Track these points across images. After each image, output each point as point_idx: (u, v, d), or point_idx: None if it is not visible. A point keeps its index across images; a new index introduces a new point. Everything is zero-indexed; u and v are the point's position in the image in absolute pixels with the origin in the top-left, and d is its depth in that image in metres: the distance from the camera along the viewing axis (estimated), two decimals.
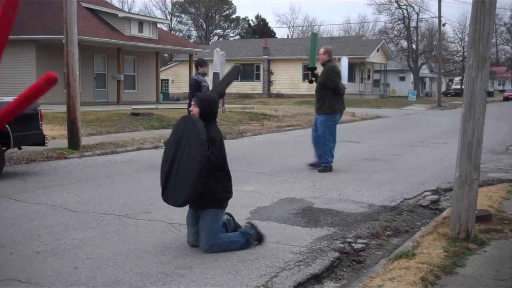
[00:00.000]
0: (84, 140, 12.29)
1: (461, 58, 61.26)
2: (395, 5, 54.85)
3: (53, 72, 3.87)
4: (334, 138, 9.50)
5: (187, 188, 4.71)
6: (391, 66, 53.96)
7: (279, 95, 44.71)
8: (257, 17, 78.10)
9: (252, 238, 5.00)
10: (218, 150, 4.83)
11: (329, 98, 9.30)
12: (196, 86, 10.44)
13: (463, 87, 5.52)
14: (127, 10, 52.37)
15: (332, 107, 9.32)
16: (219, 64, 10.42)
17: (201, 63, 10.74)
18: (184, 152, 4.77)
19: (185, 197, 4.76)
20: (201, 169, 4.63)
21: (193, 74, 10.75)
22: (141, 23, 28.43)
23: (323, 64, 9.52)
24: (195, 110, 4.95)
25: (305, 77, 42.94)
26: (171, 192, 4.88)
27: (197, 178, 4.64)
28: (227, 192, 4.98)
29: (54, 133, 13.38)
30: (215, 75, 11.55)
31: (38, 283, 4.07)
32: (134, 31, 27.64)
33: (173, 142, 4.96)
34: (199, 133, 4.68)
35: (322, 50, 9.49)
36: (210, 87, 10.71)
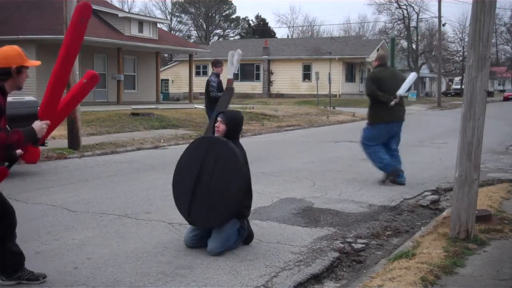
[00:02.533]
0: (84, 140, 12.29)
1: (461, 58, 61.26)
2: (395, 5, 54.94)
3: (93, 70, 4.01)
4: (375, 141, 8.40)
5: (227, 210, 4.75)
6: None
7: (279, 95, 44.73)
8: (257, 17, 78.14)
9: (245, 233, 5.00)
10: (247, 170, 4.94)
11: (370, 106, 8.45)
12: (206, 86, 11.02)
13: (463, 87, 5.52)
14: (127, 10, 52.34)
15: (370, 116, 8.44)
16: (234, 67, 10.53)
17: (214, 64, 11.18)
18: (214, 173, 4.77)
19: (225, 217, 4.77)
20: (243, 190, 4.76)
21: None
22: (141, 23, 28.42)
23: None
24: (221, 127, 4.95)
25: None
26: (204, 213, 4.81)
27: (239, 199, 4.75)
28: (249, 211, 5.10)
29: (54, 133, 13.31)
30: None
31: (38, 283, 4.07)
32: (134, 31, 27.63)
33: (193, 163, 4.90)
34: (236, 155, 4.77)
35: (374, 57, 8.90)
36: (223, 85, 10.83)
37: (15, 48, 3.89)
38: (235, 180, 4.73)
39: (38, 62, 4.09)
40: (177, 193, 5.03)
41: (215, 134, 5.05)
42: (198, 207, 4.84)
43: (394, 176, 8.26)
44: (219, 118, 5.02)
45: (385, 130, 8.34)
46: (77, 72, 11.76)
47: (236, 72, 8.86)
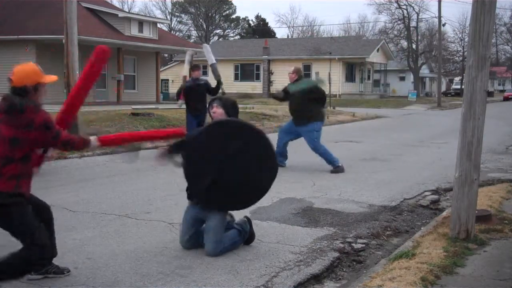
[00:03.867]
0: None
1: (461, 58, 61.23)
2: (395, 5, 54.89)
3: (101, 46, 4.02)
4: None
5: (257, 195, 4.87)
6: (391, 66, 53.95)
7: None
8: (257, 17, 78.14)
9: (246, 234, 4.98)
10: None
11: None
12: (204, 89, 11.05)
13: (463, 87, 5.52)
14: (127, 10, 52.35)
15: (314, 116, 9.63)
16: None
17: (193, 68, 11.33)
18: (241, 159, 4.64)
19: (255, 201, 4.95)
20: (274, 176, 4.82)
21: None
22: (141, 23, 28.43)
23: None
24: (218, 111, 4.83)
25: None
26: (227, 198, 4.74)
27: (269, 185, 4.83)
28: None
29: None
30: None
31: (38, 283, 4.07)
32: (134, 31, 27.63)
33: (214, 147, 4.65)
34: (269, 145, 4.75)
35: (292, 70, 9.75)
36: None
37: (30, 65, 3.87)
38: (270, 168, 4.77)
39: (55, 78, 3.97)
40: (193, 172, 4.71)
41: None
42: (219, 191, 4.66)
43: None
44: (214, 104, 4.87)
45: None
46: (77, 72, 11.76)
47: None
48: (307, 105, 9.31)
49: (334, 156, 9.45)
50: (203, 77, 11.43)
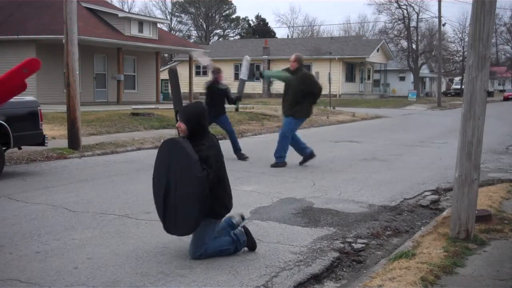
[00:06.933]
0: (84, 140, 12.29)
1: (461, 58, 61.25)
2: (395, 5, 54.86)
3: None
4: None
5: (191, 215, 4.47)
6: (391, 66, 53.98)
7: (280, 95, 44.63)
8: (257, 17, 78.21)
9: (241, 246, 4.82)
10: (215, 169, 4.54)
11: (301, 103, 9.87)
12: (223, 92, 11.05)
13: (463, 87, 5.52)
14: (127, 10, 52.35)
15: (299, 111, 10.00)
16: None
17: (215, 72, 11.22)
18: (177, 178, 4.49)
19: (191, 225, 4.52)
20: (201, 193, 4.41)
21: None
22: (141, 23, 28.42)
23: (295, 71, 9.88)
24: (182, 126, 4.64)
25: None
26: (173, 222, 4.59)
27: (199, 202, 4.40)
28: (226, 209, 4.79)
29: (54, 133, 13.37)
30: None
31: (38, 283, 4.07)
32: (134, 31, 27.63)
33: (161, 170, 4.63)
34: (188, 155, 4.41)
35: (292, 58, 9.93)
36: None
37: None
38: (191, 182, 4.41)
39: None
40: (156, 206, 4.77)
41: (180, 135, 4.78)
42: (168, 217, 4.61)
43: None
44: (178, 118, 4.74)
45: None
46: (77, 72, 11.77)
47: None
48: (300, 99, 9.64)
49: (285, 153, 9.85)
50: (224, 82, 11.33)
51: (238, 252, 4.82)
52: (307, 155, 10.04)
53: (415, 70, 54.06)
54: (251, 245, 4.90)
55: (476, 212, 5.19)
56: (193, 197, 4.43)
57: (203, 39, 71.88)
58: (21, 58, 24.60)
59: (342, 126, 21.25)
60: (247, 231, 4.93)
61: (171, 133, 15.47)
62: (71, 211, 6.32)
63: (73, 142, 11.56)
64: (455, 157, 5.11)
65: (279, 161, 9.82)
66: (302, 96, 9.63)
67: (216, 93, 10.92)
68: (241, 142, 14.22)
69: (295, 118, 9.81)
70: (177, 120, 4.83)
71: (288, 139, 9.84)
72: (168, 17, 73.28)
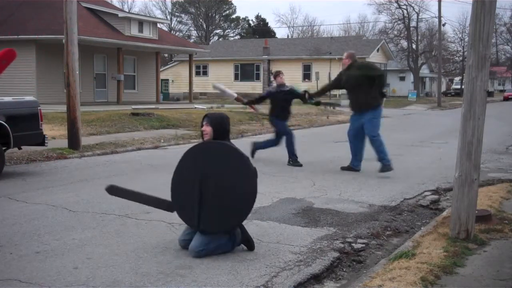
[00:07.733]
0: (84, 140, 12.29)
1: (461, 58, 61.23)
2: (395, 5, 54.83)
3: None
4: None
5: (240, 213, 4.73)
6: (391, 66, 53.94)
7: None
8: (257, 17, 78.21)
9: (236, 243, 4.87)
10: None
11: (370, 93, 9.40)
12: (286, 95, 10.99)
13: (463, 87, 5.52)
14: (127, 10, 52.33)
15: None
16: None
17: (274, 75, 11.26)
18: (218, 180, 4.66)
19: (237, 221, 4.78)
20: (256, 188, 4.74)
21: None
22: (141, 23, 28.41)
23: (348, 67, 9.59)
24: (207, 129, 4.87)
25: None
26: (216, 219, 4.70)
27: (253, 198, 4.72)
28: None
29: (54, 133, 13.37)
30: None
31: (38, 283, 4.07)
32: (134, 31, 27.62)
33: (192, 172, 4.76)
34: (242, 154, 4.71)
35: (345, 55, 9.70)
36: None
37: None
38: (245, 180, 4.69)
39: None
40: (180, 203, 4.87)
41: (204, 139, 4.93)
42: (208, 214, 4.70)
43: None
44: (204, 122, 4.94)
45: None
46: (77, 72, 11.77)
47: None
48: (367, 88, 9.11)
49: (387, 155, 9.18)
50: (288, 84, 11.07)
51: (238, 252, 4.82)
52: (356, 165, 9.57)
53: (415, 70, 54.04)
54: (247, 239, 4.92)
55: (476, 212, 5.19)
56: (245, 196, 4.69)
57: (203, 39, 71.89)
58: (21, 58, 24.61)
59: (342, 126, 21.23)
60: (243, 230, 4.96)
61: (171, 133, 15.47)
62: (71, 211, 6.32)
63: (73, 142, 11.57)
64: (455, 157, 5.11)
65: (386, 163, 9.10)
66: (368, 83, 9.04)
67: (279, 98, 10.73)
68: (241, 142, 14.22)
69: (372, 110, 9.18)
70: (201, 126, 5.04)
71: (378, 139, 9.22)
72: (168, 17, 73.30)
